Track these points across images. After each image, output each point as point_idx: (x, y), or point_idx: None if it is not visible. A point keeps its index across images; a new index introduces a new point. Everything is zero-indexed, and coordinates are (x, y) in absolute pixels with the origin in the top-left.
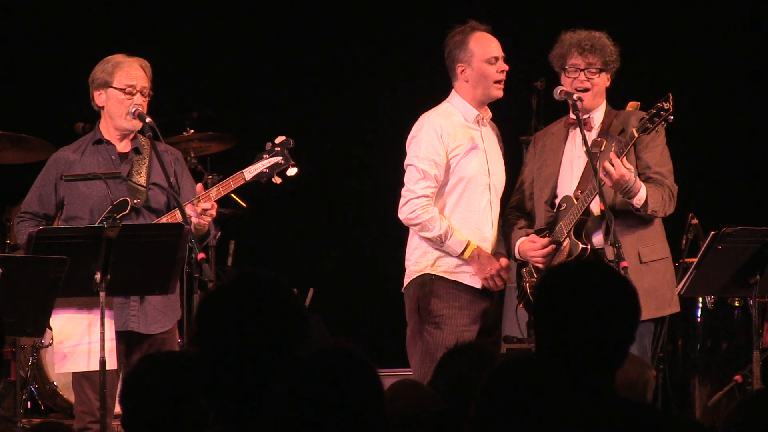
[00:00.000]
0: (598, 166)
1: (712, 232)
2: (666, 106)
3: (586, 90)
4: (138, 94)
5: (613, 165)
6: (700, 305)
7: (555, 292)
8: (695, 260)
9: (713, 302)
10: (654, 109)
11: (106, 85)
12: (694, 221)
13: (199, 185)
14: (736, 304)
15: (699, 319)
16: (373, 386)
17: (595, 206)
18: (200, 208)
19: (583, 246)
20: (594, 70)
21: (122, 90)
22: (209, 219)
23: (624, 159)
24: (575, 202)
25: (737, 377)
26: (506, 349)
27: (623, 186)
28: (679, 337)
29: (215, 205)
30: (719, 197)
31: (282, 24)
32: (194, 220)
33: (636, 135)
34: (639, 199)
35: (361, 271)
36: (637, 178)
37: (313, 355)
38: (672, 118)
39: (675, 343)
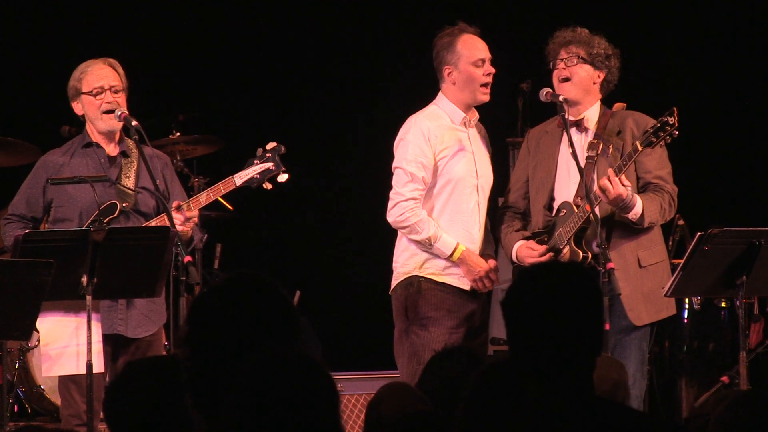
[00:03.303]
0: (595, 169)
1: (699, 233)
2: (671, 120)
3: (566, 80)
4: (107, 93)
5: (611, 183)
6: (687, 306)
7: (520, 294)
8: (682, 261)
9: (700, 303)
10: (658, 123)
11: (78, 93)
12: (681, 222)
13: (175, 203)
14: (723, 305)
15: (686, 320)
16: (326, 393)
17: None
18: (187, 215)
19: (584, 254)
20: (575, 60)
21: (90, 93)
22: (191, 226)
23: (623, 176)
24: (575, 210)
25: (724, 378)
26: (493, 350)
27: (620, 203)
28: (666, 338)
29: (197, 213)
30: (705, 198)
31: (269, 26)
32: (178, 226)
33: (640, 149)
34: (635, 214)
35: (348, 273)
36: (634, 194)
37: (267, 361)
38: (677, 133)
39: (662, 344)
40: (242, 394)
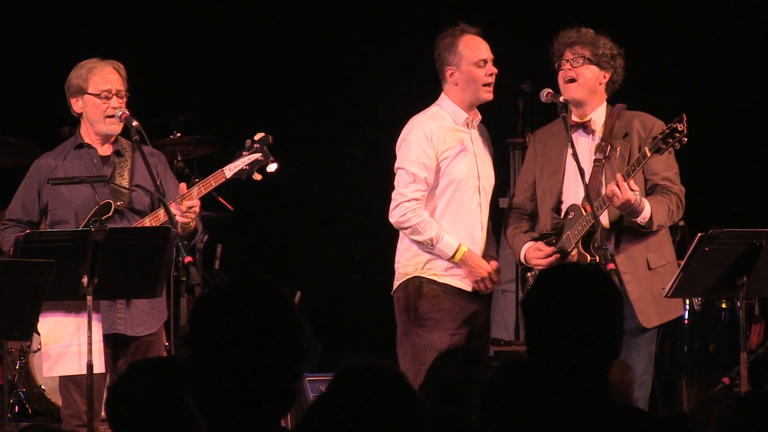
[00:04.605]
0: (603, 172)
1: (699, 234)
2: (680, 127)
3: (572, 80)
4: (114, 98)
5: (619, 188)
6: (688, 307)
7: (539, 295)
8: (682, 262)
9: (700, 304)
10: (668, 130)
11: (82, 91)
12: (681, 223)
13: (183, 185)
14: (724, 305)
15: (686, 321)
16: (411, 406)
17: (605, 218)
18: (185, 206)
19: (592, 258)
20: (580, 60)
21: (97, 95)
22: (194, 215)
23: (631, 181)
24: (584, 213)
25: (725, 379)
26: (494, 351)
27: (628, 208)
28: (666, 339)
29: (199, 203)
30: (706, 199)
31: (269, 27)
32: (179, 218)
33: (649, 155)
34: (643, 218)
35: (349, 273)
36: (643, 199)
37: (352, 374)
38: (686, 139)
39: (662, 345)
40: (326, 403)
